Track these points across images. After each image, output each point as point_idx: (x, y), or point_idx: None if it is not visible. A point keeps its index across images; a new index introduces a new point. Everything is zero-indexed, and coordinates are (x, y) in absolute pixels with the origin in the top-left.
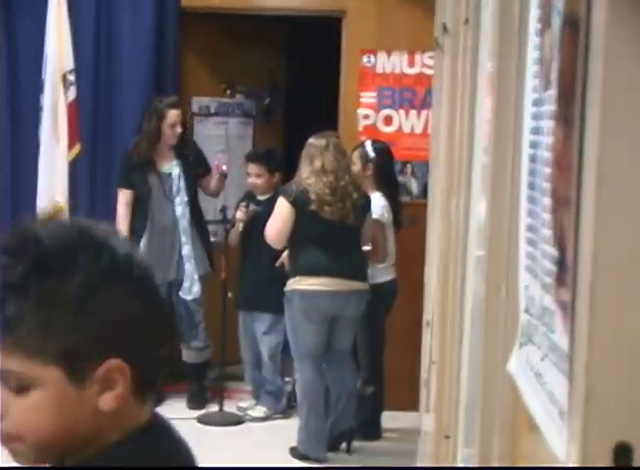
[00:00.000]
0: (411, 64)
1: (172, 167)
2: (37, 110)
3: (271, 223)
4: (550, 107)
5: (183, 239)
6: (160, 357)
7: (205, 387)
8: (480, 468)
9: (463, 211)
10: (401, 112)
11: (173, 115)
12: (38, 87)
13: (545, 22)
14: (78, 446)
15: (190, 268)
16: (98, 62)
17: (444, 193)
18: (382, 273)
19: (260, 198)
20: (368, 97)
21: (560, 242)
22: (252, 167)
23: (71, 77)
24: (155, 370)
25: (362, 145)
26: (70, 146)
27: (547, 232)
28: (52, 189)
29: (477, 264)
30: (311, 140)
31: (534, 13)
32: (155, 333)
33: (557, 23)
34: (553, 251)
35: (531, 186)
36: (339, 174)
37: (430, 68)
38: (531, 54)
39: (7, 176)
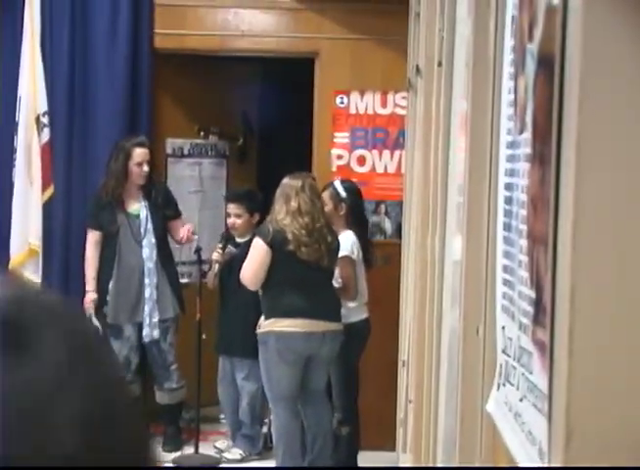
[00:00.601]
0: (384, 104)
1: (140, 208)
2: (11, 151)
3: (247, 265)
4: (525, 149)
5: (147, 281)
6: None
7: (181, 428)
8: (481, 468)
9: (439, 250)
10: (375, 152)
11: (139, 153)
12: (12, 129)
13: (519, 65)
14: None
15: (148, 311)
16: (72, 103)
17: (419, 231)
18: (354, 312)
19: (239, 240)
20: (341, 137)
21: (537, 283)
22: (232, 208)
23: (45, 119)
24: None
25: (331, 185)
26: (44, 188)
27: (524, 274)
28: (26, 231)
29: (452, 304)
30: (286, 180)
31: (508, 57)
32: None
33: (531, 66)
34: (530, 292)
35: (507, 228)
36: (315, 216)
37: (402, 108)
38: (505, 97)
39: None
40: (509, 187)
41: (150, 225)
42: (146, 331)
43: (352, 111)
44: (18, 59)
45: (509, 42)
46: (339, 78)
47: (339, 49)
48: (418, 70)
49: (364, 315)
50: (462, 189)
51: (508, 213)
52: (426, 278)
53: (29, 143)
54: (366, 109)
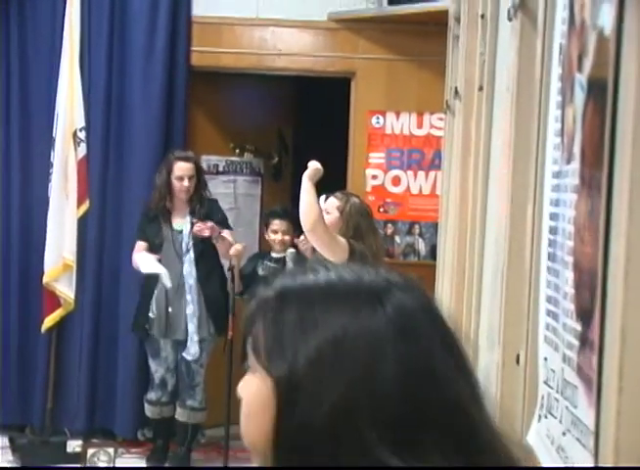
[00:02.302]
0: (420, 125)
1: (185, 224)
2: (47, 166)
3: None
4: (573, 180)
5: (188, 298)
6: None
7: (191, 451)
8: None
9: (476, 277)
10: (410, 172)
11: (180, 167)
12: (49, 144)
13: (567, 95)
14: None
15: (192, 329)
16: (108, 119)
17: (456, 257)
18: None
19: (275, 255)
20: (376, 157)
21: (583, 316)
22: (281, 224)
23: (82, 135)
24: None
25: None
26: (80, 203)
27: (569, 306)
28: (61, 245)
29: (489, 334)
30: (364, 204)
31: (555, 85)
32: None
33: (580, 96)
34: (576, 325)
35: (552, 258)
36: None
37: (438, 129)
38: (552, 125)
39: (16, 232)
40: (554, 217)
41: (191, 241)
42: (191, 349)
43: (388, 131)
44: (56, 76)
45: (556, 70)
46: (374, 98)
47: (375, 69)
48: (457, 92)
49: None
50: (502, 216)
51: (553, 244)
52: (461, 303)
53: (66, 158)
54: (402, 129)
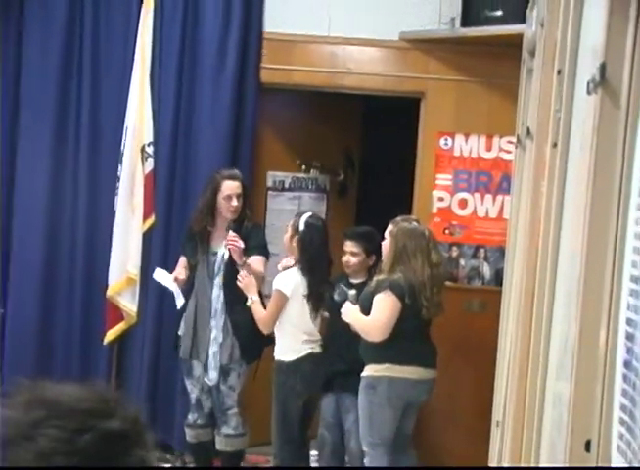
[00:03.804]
0: (489, 148)
1: (221, 246)
2: (115, 180)
3: (379, 315)
4: None
5: (212, 323)
6: None
7: None
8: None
9: (546, 314)
10: (477, 195)
11: (228, 186)
12: (117, 158)
13: None
14: None
15: (211, 354)
16: (176, 134)
17: (524, 293)
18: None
19: (353, 281)
20: (444, 179)
21: None
22: (349, 245)
23: (150, 149)
24: None
25: (299, 215)
26: (145, 217)
27: None
28: (125, 259)
29: (558, 367)
30: (418, 227)
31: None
32: None
33: None
34: None
35: (634, 309)
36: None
37: (507, 152)
38: (636, 184)
39: (82, 244)
40: (636, 265)
41: (223, 264)
42: (210, 374)
43: (456, 153)
44: (126, 90)
45: None
46: (444, 120)
47: (445, 90)
48: (529, 132)
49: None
50: (576, 256)
51: (635, 293)
52: (528, 338)
53: (133, 173)
54: (470, 151)
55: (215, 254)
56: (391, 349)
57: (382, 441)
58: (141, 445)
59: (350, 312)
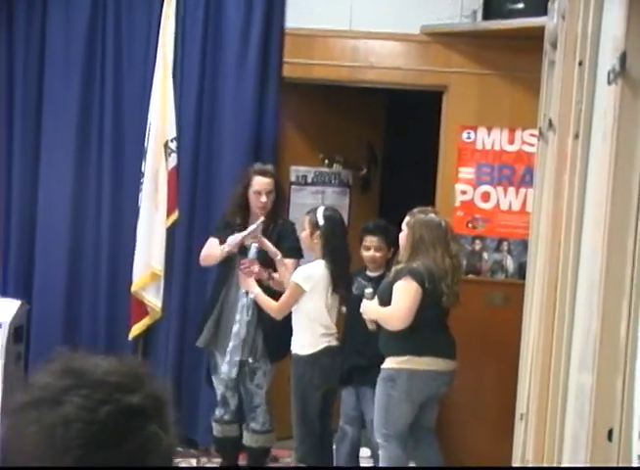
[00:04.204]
0: (511, 141)
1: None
2: (138, 176)
3: (401, 304)
4: None
5: (237, 317)
6: None
7: None
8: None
9: (569, 306)
10: (499, 188)
11: (258, 182)
12: (140, 154)
13: None
14: None
15: (231, 348)
16: (199, 130)
17: (547, 286)
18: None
19: (370, 274)
20: (466, 173)
21: None
22: (374, 240)
23: (173, 145)
24: None
25: (314, 211)
26: (169, 213)
27: None
28: (149, 255)
29: (581, 359)
30: (434, 218)
31: None
32: None
33: None
34: None
35: None
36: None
37: (530, 145)
38: None
39: (106, 240)
40: None
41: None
42: (224, 368)
43: (479, 146)
44: (149, 86)
45: None
46: (466, 113)
47: (467, 83)
48: (550, 124)
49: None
50: (597, 248)
51: None
52: (551, 335)
53: (157, 168)
54: (493, 144)
55: (247, 248)
56: (412, 339)
57: (395, 433)
58: (157, 421)
59: (369, 308)
